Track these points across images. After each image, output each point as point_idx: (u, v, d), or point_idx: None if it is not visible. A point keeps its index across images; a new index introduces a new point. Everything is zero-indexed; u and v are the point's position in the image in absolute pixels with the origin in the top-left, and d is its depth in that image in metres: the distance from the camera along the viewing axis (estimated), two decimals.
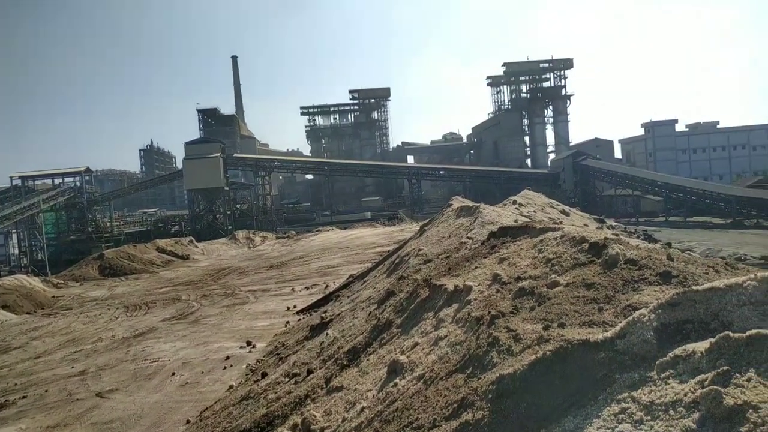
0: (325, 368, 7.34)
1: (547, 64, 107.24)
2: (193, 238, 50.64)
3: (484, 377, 3.65)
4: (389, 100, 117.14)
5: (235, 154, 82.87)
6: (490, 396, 3.37)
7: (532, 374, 3.23)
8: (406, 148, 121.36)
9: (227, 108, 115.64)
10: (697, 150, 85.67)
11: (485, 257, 7.78)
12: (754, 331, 2.66)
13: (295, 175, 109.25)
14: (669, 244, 17.57)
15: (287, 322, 16.44)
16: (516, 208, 22.52)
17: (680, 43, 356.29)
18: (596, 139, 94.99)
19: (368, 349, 7.01)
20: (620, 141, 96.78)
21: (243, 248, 48.98)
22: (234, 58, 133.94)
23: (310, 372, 7.70)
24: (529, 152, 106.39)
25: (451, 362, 4.51)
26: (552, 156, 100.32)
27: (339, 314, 12.06)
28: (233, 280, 29.11)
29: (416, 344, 5.77)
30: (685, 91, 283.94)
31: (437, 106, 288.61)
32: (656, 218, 56.16)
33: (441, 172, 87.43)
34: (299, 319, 16.46)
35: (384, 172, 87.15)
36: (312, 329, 11.99)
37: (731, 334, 2.71)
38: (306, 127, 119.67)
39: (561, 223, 11.96)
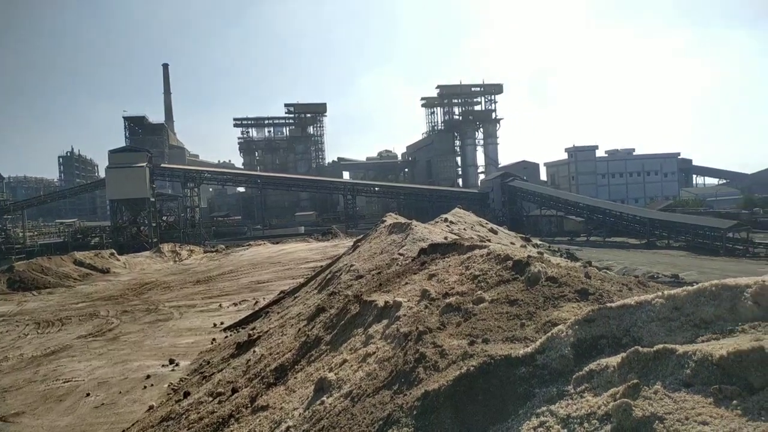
0: (251, 387, 7.14)
1: (478, 89, 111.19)
2: (114, 251, 48.09)
3: (410, 393, 3.66)
4: (325, 116, 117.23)
5: (162, 164, 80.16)
6: (415, 412, 3.38)
7: (457, 389, 3.27)
8: (341, 163, 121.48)
9: (156, 117, 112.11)
10: (615, 174, 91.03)
11: (415, 273, 7.87)
12: (660, 346, 2.82)
13: (226, 188, 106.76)
14: (589, 263, 18.41)
15: (213, 340, 15.89)
16: (447, 226, 22.96)
17: (601, 74, 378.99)
18: (524, 161, 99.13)
19: (296, 366, 6.89)
20: (546, 164, 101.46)
21: (168, 262, 47.09)
22: (165, 66, 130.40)
23: (235, 391, 7.47)
24: (460, 172, 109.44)
25: (378, 379, 4.50)
26: (482, 176, 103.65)
27: (267, 331, 11.80)
28: (157, 295, 27.87)
29: (345, 361, 5.72)
30: (605, 118, 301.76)
31: (373, 124, 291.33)
32: (578, 238, 58.95)
33: (376, 188, 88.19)
34: (226, 336, 15.95)
35: (319, 186, 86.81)
36: (239, 347, 11.66)
37: (640, 348, 2.86)
38: (239, 139, 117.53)
39: (489, 241, 12.32)
